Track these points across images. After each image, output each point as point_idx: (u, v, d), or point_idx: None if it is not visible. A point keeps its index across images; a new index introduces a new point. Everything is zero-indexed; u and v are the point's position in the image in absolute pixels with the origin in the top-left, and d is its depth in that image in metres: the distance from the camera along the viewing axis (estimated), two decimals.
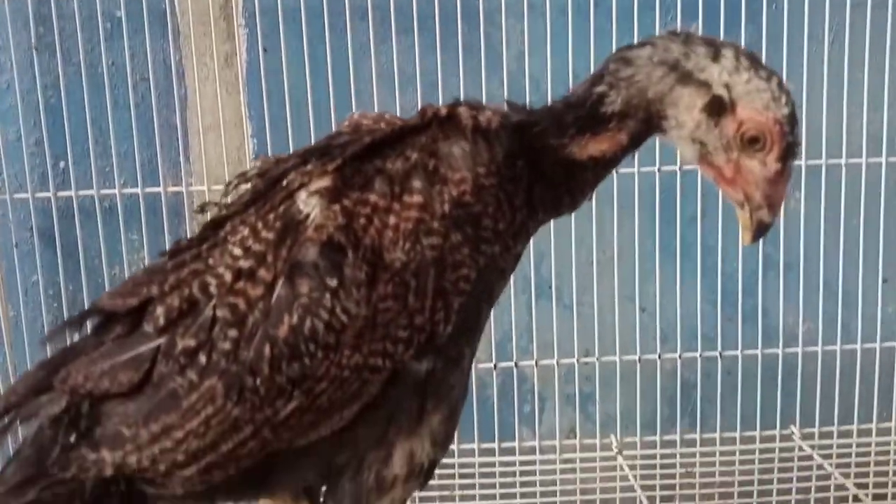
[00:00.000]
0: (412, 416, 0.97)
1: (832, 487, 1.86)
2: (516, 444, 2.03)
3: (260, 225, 0.94)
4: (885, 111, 1.94)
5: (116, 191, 1.87)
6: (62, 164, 1.88)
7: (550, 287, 1.99)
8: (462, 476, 1.94)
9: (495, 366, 2.00)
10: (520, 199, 0.99)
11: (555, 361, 2.00)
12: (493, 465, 1.98)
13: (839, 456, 1.95)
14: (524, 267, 1.94)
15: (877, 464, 1.93)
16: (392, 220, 0.92)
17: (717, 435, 2.01)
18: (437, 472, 1.88)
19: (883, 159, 1.94)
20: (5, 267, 1.89)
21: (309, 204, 0.93)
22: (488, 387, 2.03)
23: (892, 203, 1.97)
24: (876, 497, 1.84)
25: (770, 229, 1.08)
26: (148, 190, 1.87)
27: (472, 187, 0.94)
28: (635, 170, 1.89)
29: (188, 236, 1.05)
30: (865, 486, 1.86)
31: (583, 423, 2.07)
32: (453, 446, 1.98)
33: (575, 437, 2.05)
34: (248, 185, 1.04)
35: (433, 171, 0.94)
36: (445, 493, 1.89)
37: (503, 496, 1.87)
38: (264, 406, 0.90)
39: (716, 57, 0.97)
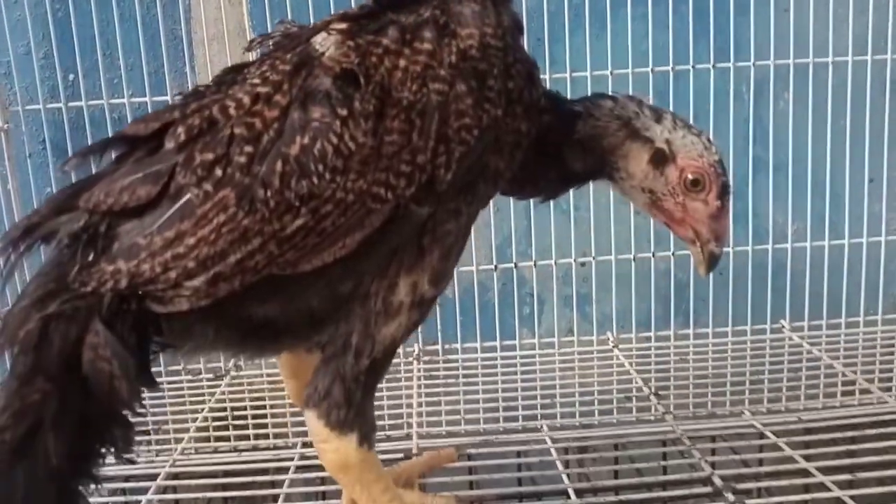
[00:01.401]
0: (413, 252, 1.05)
1: (822, 371, 1.93)
2: (517, 342, 2.11)
3: (278, 61, 1.01)
4: (871, 13, 1.99)
5: (125, 101, 1.93)
6: (71, 76, 1.94)
7: None
8: (466, 370, 2.02)
9: (496, 267, 2.08)
10: (530, 105, 1.08)
11: (553, 262, 2.08)
12: (494, 360, 2.06)
13: (828, 345, 2.03)
14: None
15: (864, 349, 2.01)
16: (402, 62, 0.99)
17: (709, 330, 2.10)
18: (441, 368, 2.02)
19: (868, 57, 1.99)
20: (19, 178, 1.95)
21: (325, 44, 1.00)
22: (489, 290, 2.11)
23: (878, 103, 2.03)
24: (866, 378, 1.90)
25: (720, 260, 1.22)
26: (155, 99, 1.92)
27: (478, 43, 1.01)
28: (629, 70, 1.95)
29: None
30: (853, 366, 1.93)
31: (580, 322, 2.16)
32: (456, 344, 2.07)
33: (573, 336, 2.13)
34: (264, 48, 1.13)
35: (443, 25, 1.01)
36: (451, 387, 1.97)
37: (505, 389, 1.94)
38: (273, 219, 0.97)
39: (658, 119, 1.17)
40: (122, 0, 1.90)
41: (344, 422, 1.07)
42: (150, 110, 1.91)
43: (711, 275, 2.04)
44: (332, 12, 1.80)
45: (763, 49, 1.98)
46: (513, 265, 2.08)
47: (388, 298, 1.06)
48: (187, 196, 0.97)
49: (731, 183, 1.18)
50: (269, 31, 1.84)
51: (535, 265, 2.08)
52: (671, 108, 1.97)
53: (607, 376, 1.97)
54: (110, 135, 1.84)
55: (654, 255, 2.07)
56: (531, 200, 2.01)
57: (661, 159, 1.16)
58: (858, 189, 2.07)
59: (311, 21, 1.82)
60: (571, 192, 1.98)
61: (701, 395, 1.93)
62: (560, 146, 1.18)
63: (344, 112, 0.97)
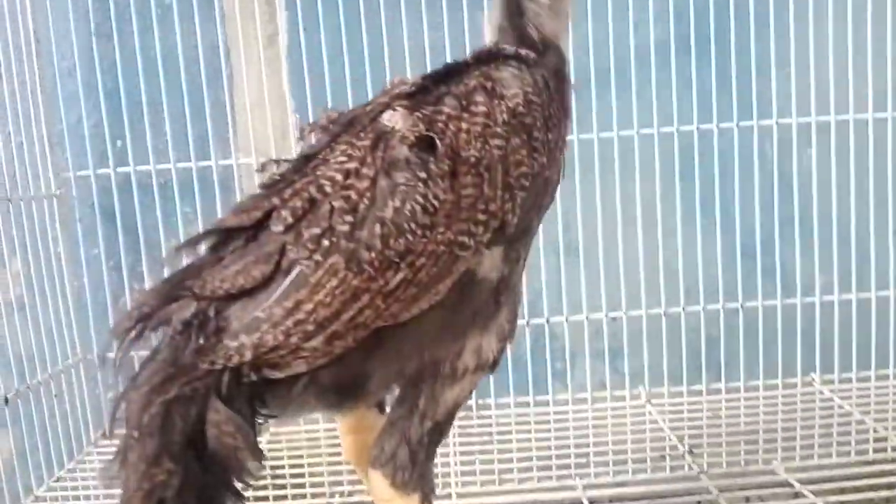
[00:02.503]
0: (489, 312, 1.17)
1: (853, 427, 1.93)
2: (550, 397, 2.14)
3: (354, 140, 1.13)
4: (890, 67, 2.05)
5: (171, 166, 2.02)
6: (119, 142, 2.02)
7: (578, 247, 2.11)
8: (499, 425, 2.04)
9: (528, 322, 2.11)
10: (555, 119, 1.20)
11: (584, 318, 2.11)
12: (527, 416, 2.09)
13: (859, 398, 2.04)
14: (553, 229, 2.07)
15: (895, 402, 2.02)
16: (464, 125, 1.12)
17: (741, 384, 2.12)
18: (475, 424, 2.04)
19: (889, 114, 2.04)
20: (69, 241, 2.02)
21: (393, 119, 1.13)
22: (521, 344, 2.15)
23: None
24: None
25: None
26: (200, 164, 2.01)
27: (523, 101, 1.16)
28: (654, 131, 2.01)
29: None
30: (884, 420, 1.93)
31: (612, 377, 2.19)
32: (489, 400, 2.10)
33: (605, 390, 2.16)
34: (317, 134, 1.24)
35: (491, 90, 1.15)
36: (486, 444, 1.98)
37: (539, 447, 1.95)
38: (378, 276, 1.08)
39: None
40: (168, 70, 1.99)
41: (408, 483, 1.16)
42: (194, 175, 2.00)
43: (742, 329, 2.11)
44: (368, 75, 1.94)
45: (785, 107, 2.04)
46: (545, 320, 2.12)
47: (454, 364, 1.16)
48: (299, 268, 1.08)
49: None
50: (308, 96, 1.97)
51: (566, 320, 2.12)
52: (697, 166, 2.07)
53: (640, 432, 1.99)
54: (157, 198, 1.98)
55: (684, 310, 2.11)
56: (561, 254, 2.10)
57: None
58: (884, 242, 2.10)
59: (349, 90, 1.95)
60: (601, 246, 2.10)
61: (734, 451, 1.93)
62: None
63: (424, 175, 1.09)
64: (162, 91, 1.98)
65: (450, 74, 1.18)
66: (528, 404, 2.12)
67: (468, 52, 1.89)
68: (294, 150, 1.99)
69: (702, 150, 2.04)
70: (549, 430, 2.02)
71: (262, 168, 1.32)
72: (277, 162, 1.24)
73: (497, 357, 1.20)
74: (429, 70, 1.33)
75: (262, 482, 1.90)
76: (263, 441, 2.03)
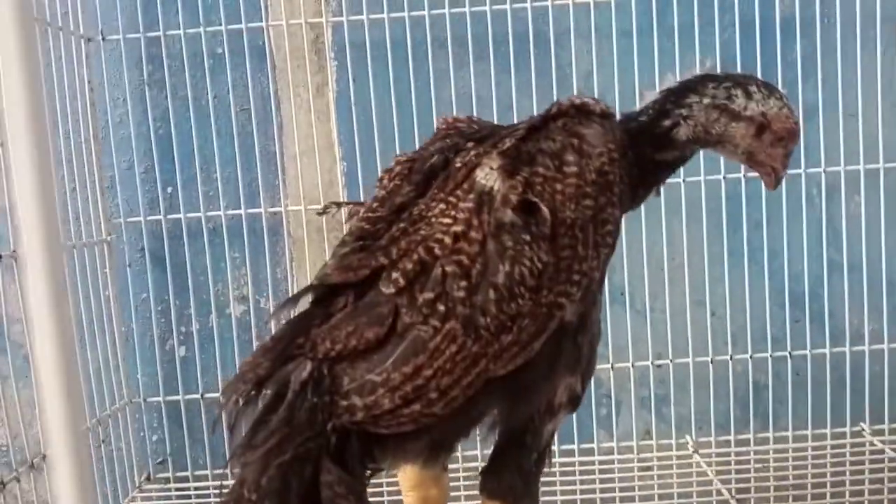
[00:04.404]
0: (574, 354, 1.20)
1: None
2: (595, 445, 2.12)
3: (453, 199, 1.15)
4: None
5: (221, 212, 2.04)
6: (170, 189, 2.05)
7: (623, 293, 2.10)
8: (544, 474, 2.02)
9: None
10: (630, 177, 1.23)
11: (630, 365, 2.10)
12: (573, 465, 2.07)
13: None
14: None
15: None
16: (559, 186, 1.15)
17: (789, 433, 2.09)
18: None
19: None
20: (119, 285, 2.05)
21: (489, 178, 1.14)
22: None
23: None
24: None
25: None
26: (249, 211, 2.03)
27: (608, 159, 1.18)
28: (701, 178, 2.01)
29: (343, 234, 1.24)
30: None
31: (658, 424, 2.16)
32: None
33: (651, 439, 2.14)
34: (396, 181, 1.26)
35: (579, 148, 1.17)
36: None
37: (583, 498, 1.94)
38: (493, 341, 1.10)
39: (748, 95, 1.28)
40: (219, 118, 2.02)
41: None
42: (244, 221, 2.02)
43: (790, 377, 2.09)
44: (416, 127, 1.96)
45: (833, 154, 2.03)
46: None
47: (551, 401, 1.20)
48: (416, 332, 1.09)
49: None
50: (356, 145, 1.99)
51: (612, 367, 2.11)
52: (744, 213, 2.07)
53: (687, 484, 1.96)
54: (206, 244, 2.00)
55: (731, 358, 2.09)
56: (606, 300, 2.09)
57: (760, 130, 1.29)
58: None
59: (397, 139, 1.97)
60: (647, 291, 2.09)
61: (783, 502, 1.91)
62: (653, 156, 1.30)
63: (528, 237, 1.12)
64: (213, 139, 2.01)
65: (534, 128, 1.20)
66: (573, 453, 2.10)
67: (513, 104, 1.95)
68: (342, 196, 2.03)
69: (749, 196, 2.03)
70: (594, 481, 1.99)
71: (325, 210, 1.35)
72: (339, 205, 1.26)
73: (581, 392, 1.24)
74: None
75: None
76: None
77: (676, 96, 1.30)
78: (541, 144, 1.17)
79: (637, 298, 2.11)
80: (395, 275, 1.11)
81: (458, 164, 1.19)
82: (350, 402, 1.09)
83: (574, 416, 2.08)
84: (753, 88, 1.29)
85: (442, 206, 1.15)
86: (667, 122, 1.29)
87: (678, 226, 2.05)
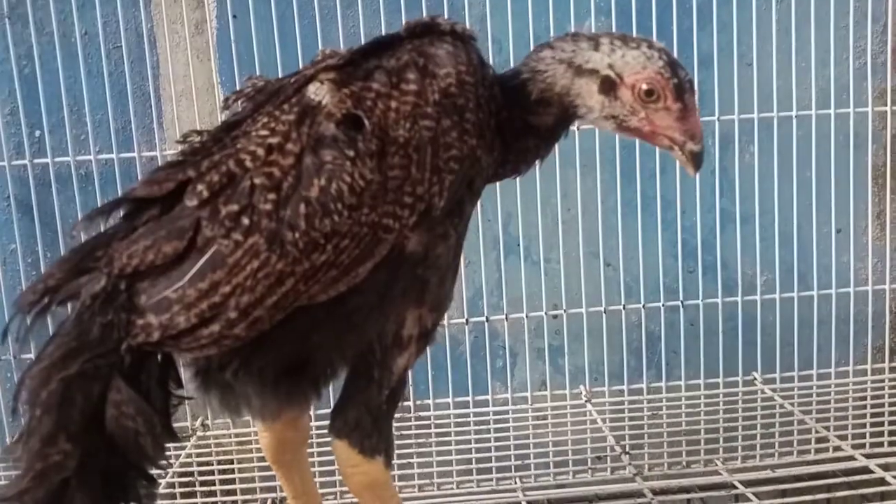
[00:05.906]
0: (414, 286, 1.13)
1: (795, 426, 1.93)
2: (489, 397, 2.09)
3: (278, 112, 1.08)
4: (832, 66, 2.03)
5: (92, 157, 1.92)
6: (37, 132, 1.93)
7: (518, 245, 2.07)
8: (438, 427, 2.00)
9: (467, 321, 2.07)
10: (493, 116, 1.15)
11: (524, 315, 2.07)
12: (467, 416, 2.04)
13: (801, 398, 2.03)
14: (493, 226, 2.03)
15: (836, 402, 2.01)
16: (393, 104, 1.07)
17: (682, 383, 2.09)
18: (413, 426, 1.99)
19: (831, 111, 2.02)
20: None
21: (319, 93, 1.07)
22: (461, 343, 2.10)
23: (842, 155, 2.06)
24: (839, 435, 1.91)
25: (704, 156, 1.23)
26: (122, 155, 1.92)
27: (455, 81, 1.09)
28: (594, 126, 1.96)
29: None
30: (826, 421, 1.93)
31: (553, 375, 2.14)
32: (428, 400, 2.05)
33: (546, 389, 2.12)
34: (242, 102, 1.19)
35: (423, 67, 1.09)
36: (424, 446, 1.94)
37: (479, 449, 1.92)
38: (302, 258, 1.04)
39: (596, 47, 1.17)
40: (89, 57, 1.90)
41: (375, 448, 1.17)
42: (116, 167, 1.91)
43: (682, 327, 2.09)
44: (301, 65, 1.86)
45: (727, 103, 2.01)
46: (484, 318, 2.07)
47: (398, 333, 1.15)
48: (215, 247, 1.03)
49: (687, 79, 1.18)
50: (238, 86, 1.89)
51: (506, 318, 2.07)
52: (638, 162, 2.04)
53: (581, 432, 1.96)
54: (76, 192, 1.88)
55: (624, 308, 2.07)
56: (501, 251, 2.06)
57: (610, 85, 1.17)
58: (826, 240, 2.09)
59: (280, 75, 1.87)
60: (541, 242, 2.06)
61: (675, 451, 1.92)
62: (525, 118, 1.20)
63: (351, 153, 1.05)
64: (83, 79, 1.88)
65: (381, 47, 1.12)
66: (467, 404, 2.07)
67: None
68: None
69: (643, 146, 2.00)
70: (488, 431, 1.98)
71: (184, 139, 1.25)
72: (201, 133, 1.17)
73: (432, 328, 1.18)
74: None
75: (190, 488, 1.84)
76: (189, 445, 1.95)
77: (535, 52, 1.21)
78: (382, 62, 1.09)
79: (532, 250, 2.08)
80: (199, 187, 1.04)
81: (293, 80, 1.11)
82: (146, 321, 1.02)
83: (469, 367, 2.07)
84: (604, 41, 1.18)
85: (265, 119, 1.08)
86: (520, 78, 1.20)
87: (572, 177, 2.01)
